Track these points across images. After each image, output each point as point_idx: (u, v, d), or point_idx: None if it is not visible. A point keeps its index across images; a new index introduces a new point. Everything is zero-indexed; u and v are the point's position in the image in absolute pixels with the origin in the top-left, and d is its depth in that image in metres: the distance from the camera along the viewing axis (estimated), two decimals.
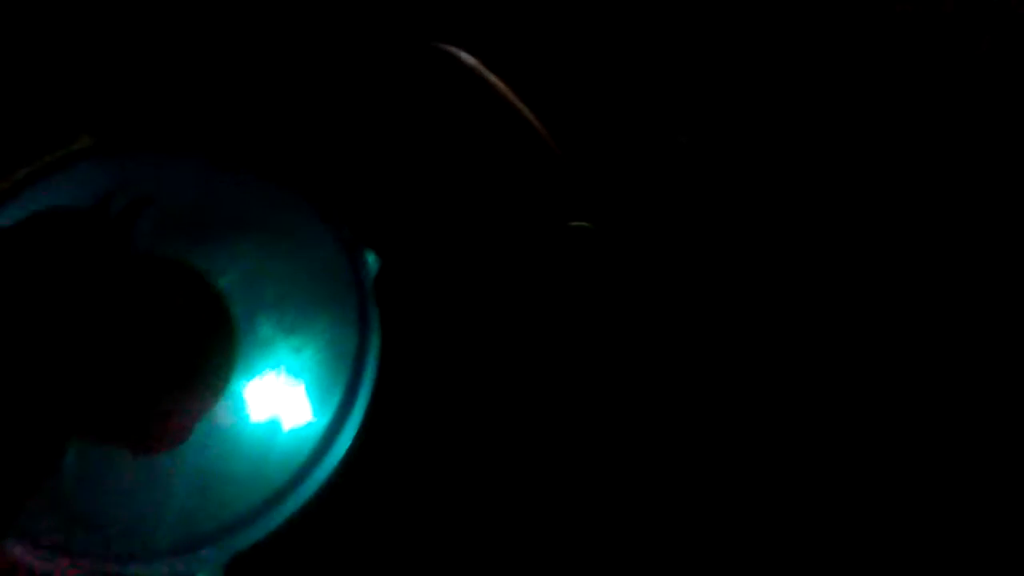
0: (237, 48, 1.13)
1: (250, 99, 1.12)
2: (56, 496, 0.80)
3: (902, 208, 1.11)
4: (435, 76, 1.10)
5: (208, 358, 0.86)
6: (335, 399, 0.89)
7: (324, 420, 0.88)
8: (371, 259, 0.97)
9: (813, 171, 1.12)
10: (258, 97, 1.12)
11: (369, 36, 1.14)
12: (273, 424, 0.87)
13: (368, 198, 1.09)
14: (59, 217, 0.80)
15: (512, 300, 1.08)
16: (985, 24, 1.11)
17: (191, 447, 0.84)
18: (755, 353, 1.08)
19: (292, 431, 0.88)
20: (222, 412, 0.86)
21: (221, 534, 0.83)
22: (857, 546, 1.03)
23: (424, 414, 1.06)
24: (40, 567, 0.81)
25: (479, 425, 1.06)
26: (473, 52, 1.10)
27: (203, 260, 0.89)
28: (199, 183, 0.93)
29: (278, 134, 1.09)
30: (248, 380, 0.88)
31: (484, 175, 1.09)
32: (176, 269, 0.89)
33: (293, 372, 0.89)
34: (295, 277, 0.93)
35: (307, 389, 0.89)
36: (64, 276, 0.77)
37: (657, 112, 1.14)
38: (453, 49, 1.10)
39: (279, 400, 0.88)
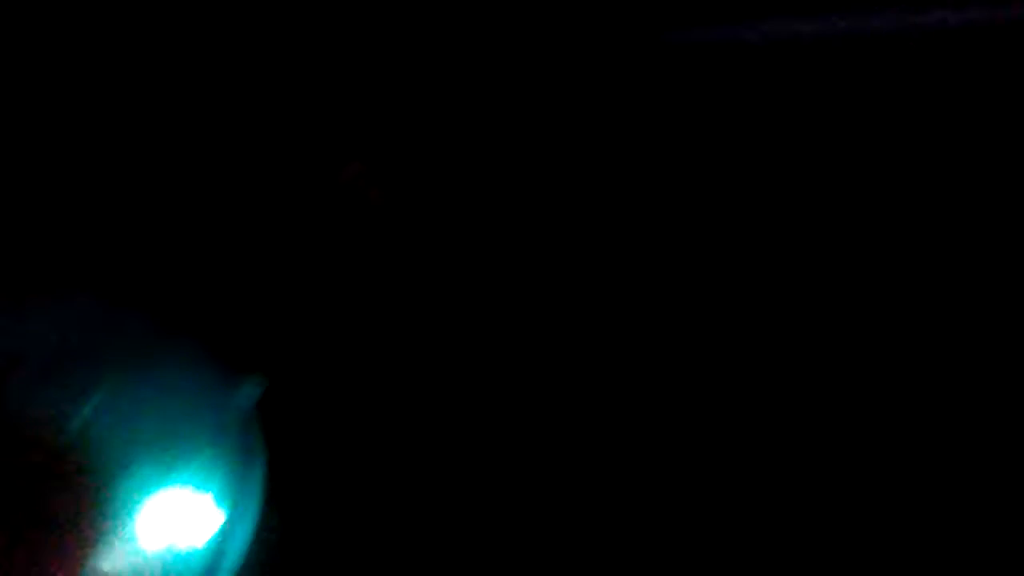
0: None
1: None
2: None
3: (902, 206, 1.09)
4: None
5: (62, 510, 0.82)
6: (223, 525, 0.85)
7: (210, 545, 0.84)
8: (254, 383, 0.94)
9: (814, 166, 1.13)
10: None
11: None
12: (168, 553, 0.84)
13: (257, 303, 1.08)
14: None
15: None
16: None
17: None
18: (755, 351, 1.06)
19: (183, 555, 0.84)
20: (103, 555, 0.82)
21: None
22: (857, 546, 1.02)
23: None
24: None
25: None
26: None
27: (58, 402, 0.85)
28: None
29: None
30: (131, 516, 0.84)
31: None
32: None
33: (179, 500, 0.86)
34: (169, 408, 0.89)
35: (195, 515, 0.85)
36: None
37: None
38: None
39: (167, 531, 0.85)
